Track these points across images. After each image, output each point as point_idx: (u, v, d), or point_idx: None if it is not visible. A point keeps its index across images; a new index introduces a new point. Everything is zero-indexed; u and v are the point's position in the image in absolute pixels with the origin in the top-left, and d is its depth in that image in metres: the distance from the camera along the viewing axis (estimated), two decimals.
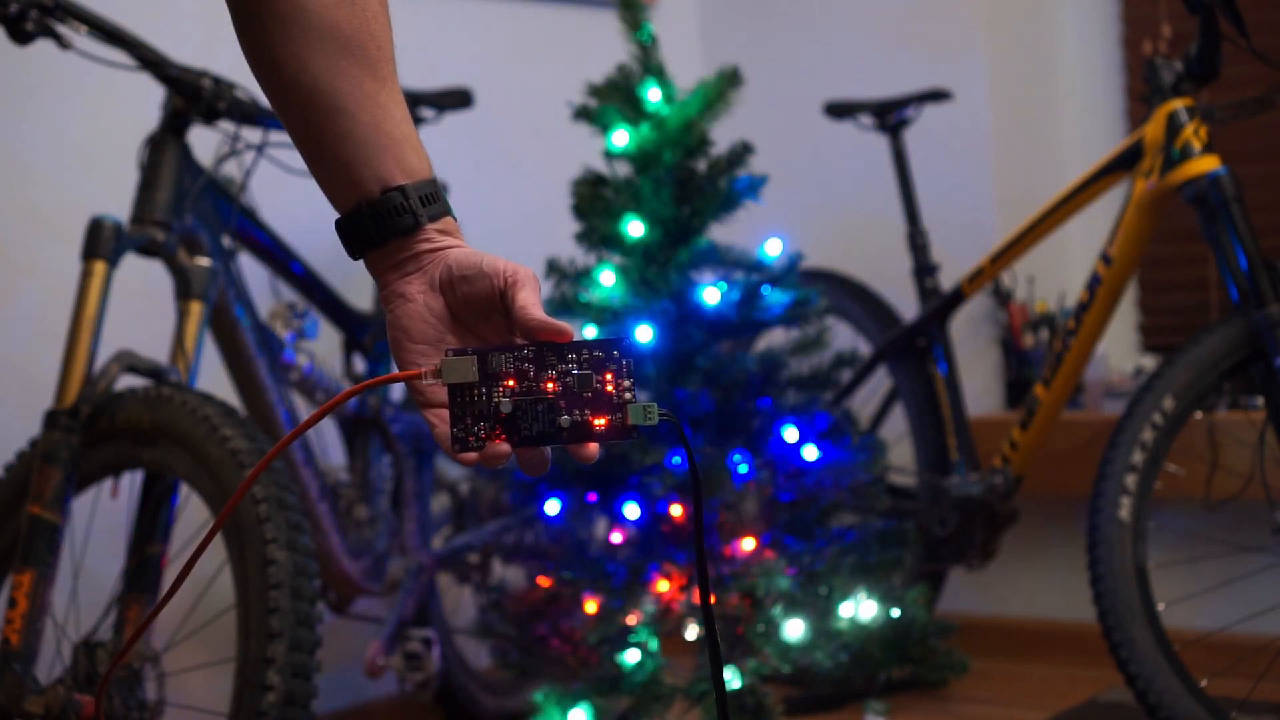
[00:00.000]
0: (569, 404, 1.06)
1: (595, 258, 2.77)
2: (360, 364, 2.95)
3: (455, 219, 1.15)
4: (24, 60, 2.57)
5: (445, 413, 1.09)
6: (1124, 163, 2.88)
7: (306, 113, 1.13)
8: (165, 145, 2.43)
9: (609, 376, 1.06)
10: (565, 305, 2.75)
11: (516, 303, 1.08)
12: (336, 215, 1.16)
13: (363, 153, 1.12)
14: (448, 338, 1.11)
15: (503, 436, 1.06)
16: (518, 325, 1.08)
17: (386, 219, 1.11)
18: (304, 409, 2.86)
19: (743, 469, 2.68)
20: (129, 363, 2.28)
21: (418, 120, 3.08)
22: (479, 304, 1.10)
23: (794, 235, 2.91)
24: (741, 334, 2.78)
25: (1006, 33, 3.71)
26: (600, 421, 1.06)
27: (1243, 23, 2.49)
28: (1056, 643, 3.47)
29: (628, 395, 1.06)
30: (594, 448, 1.07)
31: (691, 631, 2.66)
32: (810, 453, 2.71)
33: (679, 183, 2.73)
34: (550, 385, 1.07)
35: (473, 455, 1.07)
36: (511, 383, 1.07)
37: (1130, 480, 2.64)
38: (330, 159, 1.13)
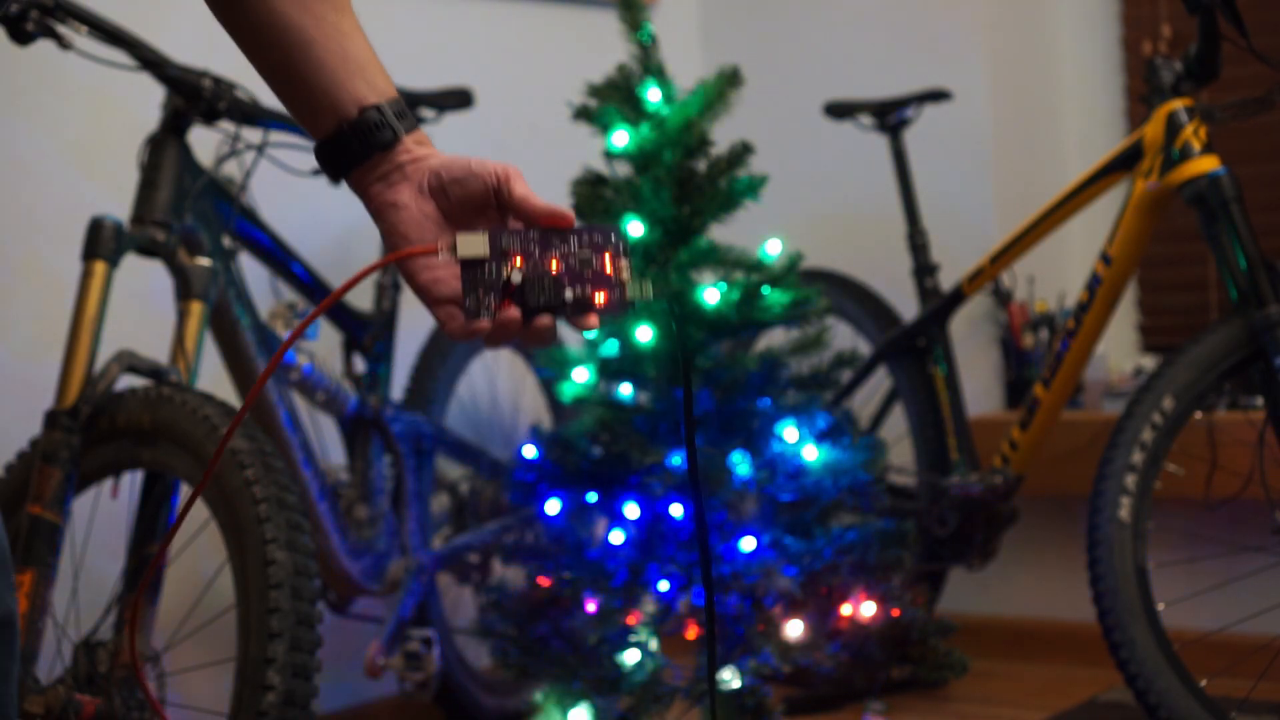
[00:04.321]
0: (571, 280, 1.14)
1: None
2: (360, 364, 2.94)
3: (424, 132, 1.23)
4: (23, 60, 2.57)
5: (452, 308, 1.16)
6: (1124, 163, 2.88)
7: (278, 50, 1.20)
8: (165, 145, 2.43)
9: (607, 257, 1.14)
10: None
11: (516, 194, 1.15)
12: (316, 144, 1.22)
13: (336, 78, 1.19)
14: (444, 238, 1.18)
15: (513, 305, 1.14)
16: (520, 213, 1.16)
17: (368, 135, 1.18)
18: (304, 409, 2.87)
19: (743, 469, 2.68)
20: (129, 363, 2.28)
21: (418, 120, 3.08)
22: (474, 203, 1.17)
23: (794, 235, 2.91)
24: (741, 334, 2.78)
25: (1006, 33, 3.71)
26: (601, 297, 1.14)
27: (1243, 23, 2.49)
28: (1056, 643, 3.47)
29: (625, 274, 1.14)
30: (594, 319, 1.15)
31: (692, 631, 2.66)
32: (810, 453, 2.71)
33: (679, 183, 2.73)
34: (554, 263, 1.14)
35: (485, 323, 1.14)
36: (519, 260, 1.13)
37: (1130, 480, 2.64)
38: (306, 90, 1.20)
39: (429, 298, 1.17)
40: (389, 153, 1.19)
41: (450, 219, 1.18)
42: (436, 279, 1.17)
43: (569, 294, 1.14)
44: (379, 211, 1.19)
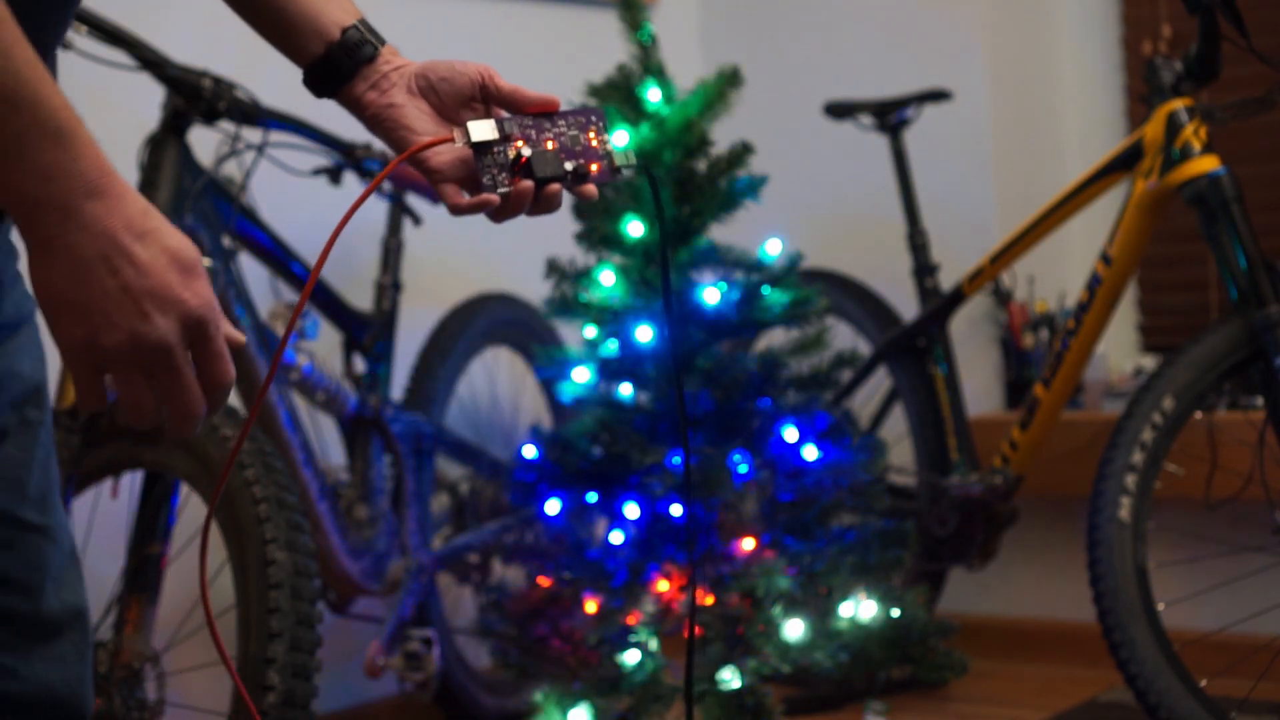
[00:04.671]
0: (567, 155, 1.30)
1: (595, 258, 2.77)
2: (360, 364, 2.95)
3: None
4: None
5: (454, 186, 1.32)
6: (1124, 163, 2.88)
7: None
8: (165, 145, 2.43)
9: (592, 134, 1.32)
10: (565, 305, 2.75)
11: (504, 87, 1.33)
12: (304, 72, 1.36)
13: (314, 7, 1.35)
14: (442, 130, 1.33)
15: (521, 177, 1.29)
16: (511, 102, 1.33)
17: (354, 52, 1.33)
18: (304, 409, 2.86)
19: (743, 469, 2.68)
20: None
21: None
22: (461, 98, 1.34)
23: (794, 235, 2.91)
24: (741, 334, 2.78)
25: (1006, 33, 3.71)
26: (594, 167, 1.31)
27: (1243, 23, 2.49)
28: (1056, 643, 3.47)
29: (609, 146, 1.32)
30: (592, 187, 1.32)
31: None
32: (810, 453, 2.71)
33: (679, 183, 2.73)
34: (550, 143, 1.30)
35: (496, 196, 1.29)
36: (520, 143, 1.29)
37: (1130, 480, 2.64)
38: (288, 21, 1.35)
39: (435, 179, 1.32)
40: (373, 64, 1.34)
41: (442, 114, 1.33)
42: (443, 163, 1.32)
43: (569, 165, 1.29)
44: (377, 116, 1.34)
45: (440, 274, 3.31)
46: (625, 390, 2.71)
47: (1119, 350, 3.62)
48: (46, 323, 1.05)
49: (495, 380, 3.46)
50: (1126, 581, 2.60)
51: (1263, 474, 2.65)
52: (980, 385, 3.60)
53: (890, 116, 3.37)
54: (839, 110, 3.43)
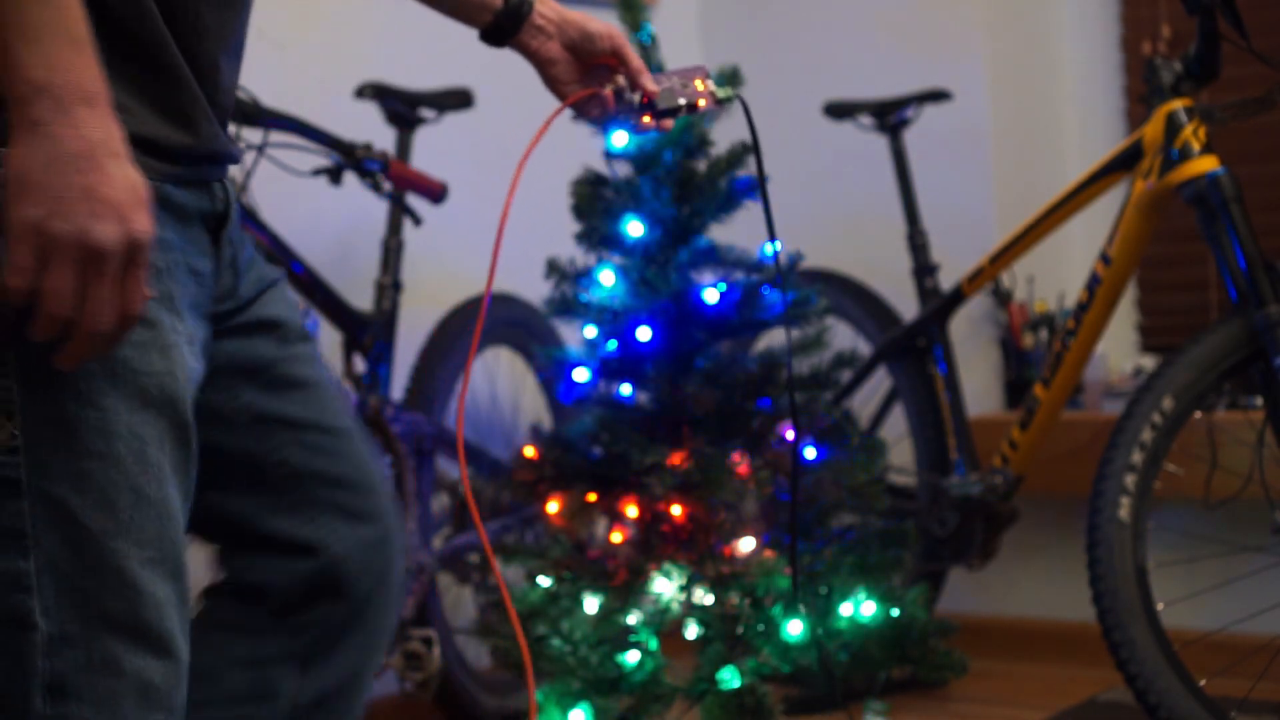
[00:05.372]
0: (680, 94, 1.75)
1: (595, 258, 2.77)
2: (360, 364, 2.95)
3: None
4: None
5: (596, 114, 1.76)
6: (1124, 163, 2.88)
7: None
8: None
9: (699, 81, 1.76)
10: (565, 305, 2.75)
11: (633, 63, 1.72)
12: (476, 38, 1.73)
13: None
14: (580, 78, 1.74)
15: (648, 114, 1.74)
16: (632, 71, 1.72)
17: (516, 12, 1.69)
18: None
19: (742, 469, 2.67)
20: None
21: (418, 120, 3.09)
22: (595, 54, 1.73)
23: (794, 235, 2.91)
24: (741, 334, 2.78)
25: (1006, 33, 3.71)
26: (701, 101, 1.75)
27: (1243, 23, 2.49)
28: (1056, 643, 3.47)
29: (713, 86, 1.76)
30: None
31: (691, 631, 2.66)
32: (810, 453, 2.71)
33: (679, 183, 2.73)
34: (666, 85, 1.75)
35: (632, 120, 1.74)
36: (645, 88, 1.75)
37: (1130, 480, 2.64)
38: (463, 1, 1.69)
39: (581, 113, 1.77)
40: (530, 19, 1.70)
41: (580, 63, 1.73)
42: (588, 104, 1.75)
43: (681, 100, 1.74)
44: (540, 67, 1.73)
45: (440, 274, 3.31)
46: (625, 390, 2.71)
47: (1119, 350, 3.62)
48: (6, 198, 1.12)
49: (495, 380, 3.46)
50: (1126, 581, 2.60)
51: (1262, 474, 2.65)
52: (980, 385, 3.60)
53: (890, 116, 3.37)
54: (839, 110, 3.43)
